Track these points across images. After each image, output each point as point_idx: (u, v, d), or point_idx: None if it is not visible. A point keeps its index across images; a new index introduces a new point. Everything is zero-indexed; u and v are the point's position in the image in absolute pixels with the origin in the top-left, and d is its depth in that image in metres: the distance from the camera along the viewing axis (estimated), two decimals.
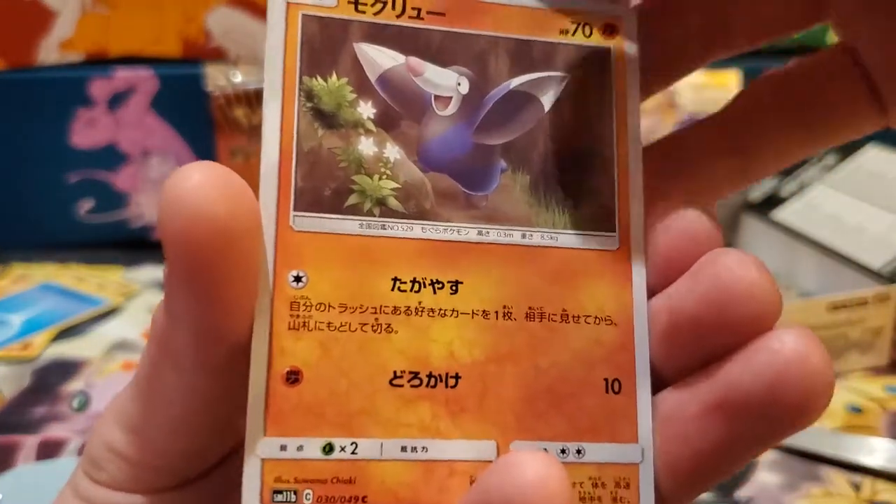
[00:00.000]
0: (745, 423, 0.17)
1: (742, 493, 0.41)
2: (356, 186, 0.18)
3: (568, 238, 0.19)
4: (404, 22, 0.19)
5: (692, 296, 0.18)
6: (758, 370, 0.17)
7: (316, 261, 0.18)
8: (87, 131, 0.62)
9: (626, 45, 0.20)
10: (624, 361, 0.19)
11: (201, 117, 0.62)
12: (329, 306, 0.18)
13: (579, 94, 0.20)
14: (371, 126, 0.19)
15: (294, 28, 0.19)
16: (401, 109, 0.19)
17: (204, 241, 0.16)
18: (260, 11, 0.62)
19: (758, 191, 0.63)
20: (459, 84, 0.19)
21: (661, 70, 0.21)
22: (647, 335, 0.19)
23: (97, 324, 0.55)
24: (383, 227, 0.18)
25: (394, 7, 0.19)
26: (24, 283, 0.60)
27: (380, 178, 0.19)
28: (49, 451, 0.43)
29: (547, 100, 0.20)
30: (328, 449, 0.17)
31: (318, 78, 0.19)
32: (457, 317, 0.18)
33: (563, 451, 0.18)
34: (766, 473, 0.42)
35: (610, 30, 0.20)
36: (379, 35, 0.19)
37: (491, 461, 0.18)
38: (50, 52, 0.62)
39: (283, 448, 0.17)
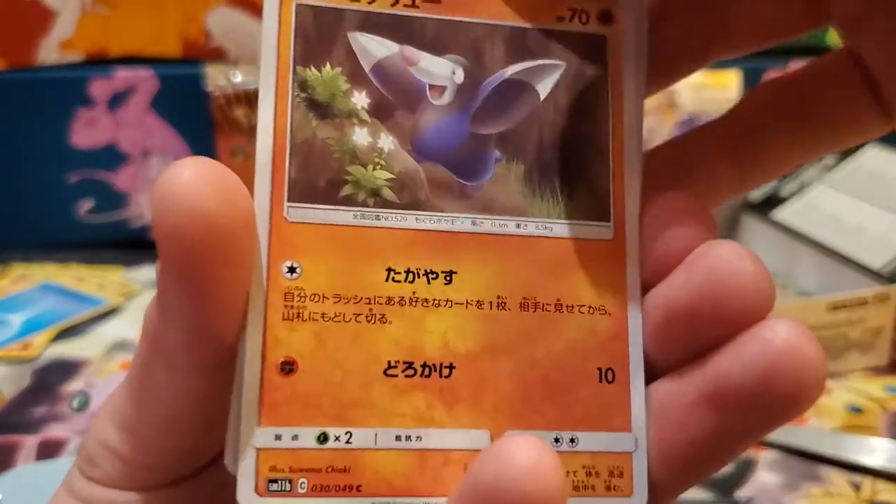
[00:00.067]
0: (737, 412, 0.17)
1: (742, 493, 0.41)
2: (350, 177, 0.18)
3: (562, 228, 0.19)
4: (399, 10, 0.19)
5: (686, 287, 0.18)
6: (750, 360, 0.17)
7: (310, 251, 0.18)
8: (87, 131, 0.62)
9: (623, 33, 0.20)
10: (618, 351, 0.19)
11: (201, 117, 0.62)
12: (323, 297, 0.18)
13: (575, 83, 0.20)
14: (365, 116, 0.19)
15: (288, 18, 0.19)
16: (395, 99, 0.19)
17: (196, 237, 0.16)
18: (260, 11, 0.62)
19: (758, 191, 0.63)
20: (454, 73, 0.19)
21: (660, 71, 0.21)
22: (641, 325, 0.19)
23: (97, 324, 0.55)
24: (377, 218, 0.18)
25: None
26: (24, 283, 0.60)
27: (374, 169, 0.19)
28: (49, 451, 0.43)
29: (542, 88, 0.20)
30: (323, 438, 0.17)
31: (312, 68, 0.19)
32: (451, 307, 0.18)
33: (556, 441, 0.18)
34: (766, 473, 0.42)
35: (606, 17, 0.20)
36: (373, 24, 0.19)
37: None
38: (50, 52, 0.62)
39: (278, 438, 0.17)
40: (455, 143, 0.19)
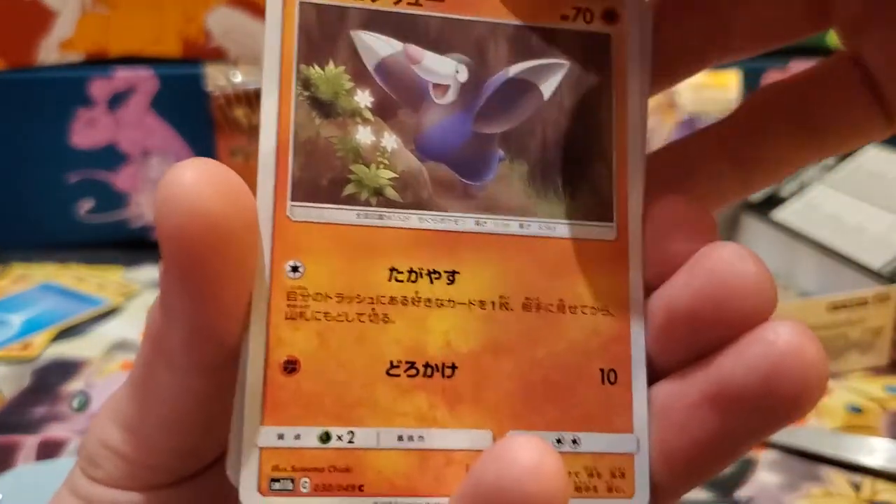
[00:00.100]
0: (740, 414, 0.17)
1: (742, 493, 0.41)
2: (353, 176, 0.18)
3: (565, 228, 0.19)
4: (402, 8, 0.19)
5: (688, 290, 0.18)
6: (753, 362, 0.17)
7: (313, 251, 0.18)
8: (87, 131, 0.62)
9: (628, 32, 0.20)
10: (620, 352, 0.19)
11: (201, 117, 0.62)
12: (326, 296, 0.18)
13: (579, 82, 0.20)
14: (368, 115, 0.19)
15: (291, 16, 0.19)
16: (398, 98, 0.19)
17: (199, 238, 0.16)
18: (260, 11, 0.62)
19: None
20: (458, 72, 0.19)
21: (659, 72, 0.21)
22: (644, 325, 0.19)
23: (97, 324, 0.55)
24: (380, 217, 0.18)
25: None
26: (24, 283, 0.60)
27: (377, 168, 0.19)
28: (49, 451, 0.43)
29: (546, 87, 0.20)
30: (325, 438, 0.17)
31: (316, 66, 0.19)
32: (454, 307, 0.18)
33: (558, 441, 0.18)
34: (766, 473, 0.42)
35: (611, 16, 0.20)
36: (377, 22, 0.19)
37: None
38: (50, 52, 0.62)
39: (281, 437, 0.17)
40: (458, 143, 0.19)
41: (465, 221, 0.19)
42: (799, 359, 0.17)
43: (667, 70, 0.21)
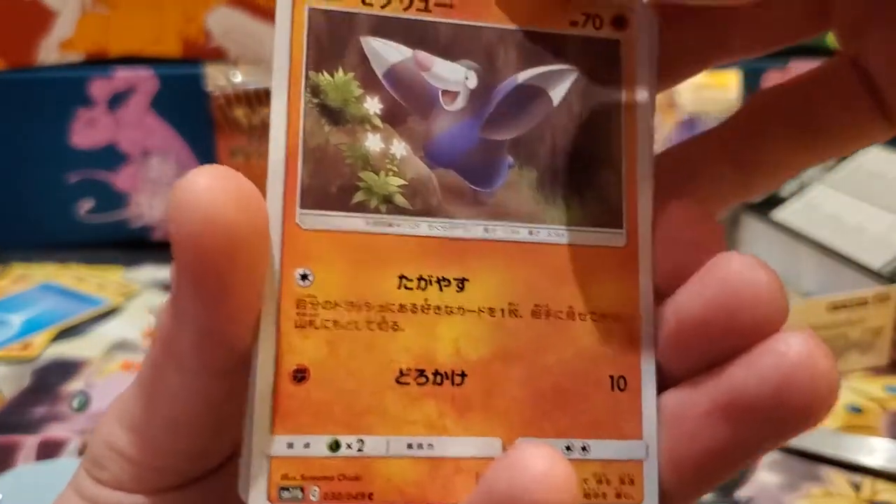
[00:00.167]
0: (750, 424, 0.17)
1: (742, 493, 0.41)
2: (363, 183, 0.18)
3: (574, 235, 0.19)
4: (412, 14, 0.19)
5: (700, 299, 0.18)
6: (764, 373, 0.17)
7: (322, 259, 0.18)
8: (87, 131, 0.62)
9: (637, 38, 0.20)
10: (630, 358, 0.19)
11: (201, 117, 0.62)
12: (336, 304, 0.18)
13: (588, 88, 0.20)
14: (378, 122, 0.19)
15: (300, 22, 0.18)
16: (408, 105, 0.19)
17: (211, 245, 0.16)
18: (260, 11, 0.62)
19: None
20: (467, 78, 0.19)
21: (660, 73, 0.21)
22: (653, 332, 0.19)
23: (97, 324, 0.55)
24: (390, 225, 0.18)
25: None
26: (24, 283, 0.60)
27: (386, 175, 0.19)
28: (49, 451, 0.43)
29: (555, 94, 0.20)
30: (335, 446, 0.17)
31: (325, 73, 0.19)
32: (463, 314, 0.18)
33: (568, 448, 0.18)
34: (766, 473, 0.43)
35: (620, 22, 0.20)
36: (386, 28, 0.19)
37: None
38: (50, 52, 0.62)
39: (290, 446, 0.17)
40: (468, 149, 0.19)
41: (475, 228, 0.19)
42: (810, 370, 0.17)
43: (668, 71, 0.21)
